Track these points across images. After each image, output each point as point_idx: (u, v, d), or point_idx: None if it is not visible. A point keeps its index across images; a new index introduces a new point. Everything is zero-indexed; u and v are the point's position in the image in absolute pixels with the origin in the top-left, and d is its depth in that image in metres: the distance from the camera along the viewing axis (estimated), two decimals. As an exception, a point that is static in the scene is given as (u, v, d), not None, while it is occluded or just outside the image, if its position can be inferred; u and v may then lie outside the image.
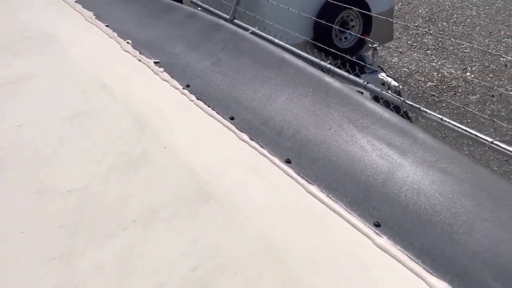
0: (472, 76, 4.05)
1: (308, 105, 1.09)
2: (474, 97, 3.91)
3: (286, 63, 1.21)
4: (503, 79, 4.07)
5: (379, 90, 2.63)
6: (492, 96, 3.90)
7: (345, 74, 2.70)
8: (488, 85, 3.71)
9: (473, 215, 0.79)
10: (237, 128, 1.01)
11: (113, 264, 0.68)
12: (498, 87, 3.76)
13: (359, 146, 0.96)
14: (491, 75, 4.14)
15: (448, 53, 4.52)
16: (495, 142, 2.21)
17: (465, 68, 4.26)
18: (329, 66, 2.68)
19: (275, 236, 0.74)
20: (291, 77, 1.17)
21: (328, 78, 1.14)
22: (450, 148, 0.95)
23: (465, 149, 3.29)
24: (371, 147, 0.96)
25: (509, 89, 3.87)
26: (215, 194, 0.82)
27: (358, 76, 2.80)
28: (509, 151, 2.16)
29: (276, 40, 2.81)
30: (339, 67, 2.70)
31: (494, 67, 4.23)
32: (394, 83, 3.54)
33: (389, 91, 2.71)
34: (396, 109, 2.41)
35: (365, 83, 2.69)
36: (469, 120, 3.57)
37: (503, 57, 4.13)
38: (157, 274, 0.66)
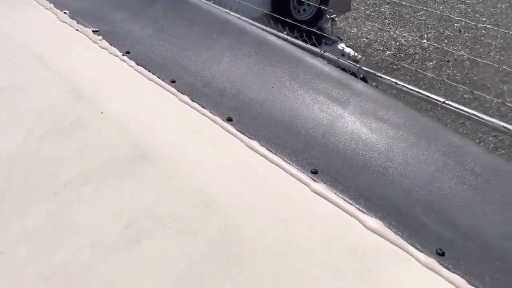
0: (428, 42, 4.14)
1: (251, 64, 1.08)
2: (431, 63, 4.00)
3: (230, 24, 1.19)
4: (457, 44, 4.19)
5: (335, 58, 2.65)
6: (448, 61, 4.01)
7: (302, 44, 2.70)
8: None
9: (408, 158, 0.81)
10: (178, 90, 0.99)
11: (43, 228, 0.65)
12: (453, 52, 3.87)
13: (300, 101, 0.96)
14: (446, 41, 4.24)
15: (405, 21, 4.59)
16: (447, 102, 2.28)
17: (421, 35, 4.35)
18: (286, 36, 2.67)
19: (212, 190, 0.73)
20: (235, 38, 1.15)
21: (270, 37, 1.13)
22: (388, 97, 0.97)
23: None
24: (312, 101, 0.96)
25: (463, 53, 3.98)
26: (152, 153, 0.80)
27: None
28: (461, 110, 2.24)
29: (233, 14, 2.76)
30: (303, 40, 2.70)
31: (449, 33, 4.33)
32: (353, 53, 3.58)
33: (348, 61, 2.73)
34: (354, 76, 2.44)
35: (322, 52, 2.70)
36: (427, 86, 3.67)
37: (457, 23, 4.24)
38: (89, 234, 0.64)
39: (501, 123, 2.15)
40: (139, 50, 1.16)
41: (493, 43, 4.16)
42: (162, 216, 0.67)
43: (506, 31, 3.61)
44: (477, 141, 3.25)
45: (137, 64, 1.08)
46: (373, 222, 0.68)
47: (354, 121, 0.90)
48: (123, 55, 1.13)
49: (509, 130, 2.12)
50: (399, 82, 2.43)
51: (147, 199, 0.70)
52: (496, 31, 4.10)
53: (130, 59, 1.10)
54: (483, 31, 4.30)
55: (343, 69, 2.53)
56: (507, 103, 3.18)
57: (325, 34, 3.56)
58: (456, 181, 0.76)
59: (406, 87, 2.42)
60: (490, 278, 0.60)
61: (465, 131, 3.32)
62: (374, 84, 2.54)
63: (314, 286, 0.59)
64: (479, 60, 3.06)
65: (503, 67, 2.54)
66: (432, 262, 0.62)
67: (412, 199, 0.73)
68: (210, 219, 0.67)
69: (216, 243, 0.64)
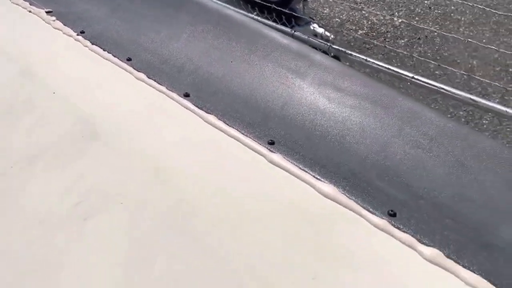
0: (400, 20, 4.17)
1: (210, 40, 1.06)
2: (402, 41, 4.04)
3: (188, 1, 1.16)
4: (428, 21, 4.23)
5: (306, 37, 2.64)
6: (419, 38, 4.05)
7: (273, 24, 2.69)
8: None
9: (364, 125, 0.81)
10: (134, 68, 0.96)
11: (-11, 210, 0.63)
12: (423, 29, 3.90)
13: (260, 74, 0.95)
14: (417, 18, 4.28)
15: (376, 0, 4.60)
16: (415, 77, 2.31)
17: (393, 14, 4.37)
18: (256, 17, 2.64)
19: (167, 165, 0.72)
20: (194, 14, 1.13)
21: (230, 11, 1.11)
22: (346, 67, 0.97)
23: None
24: (271, 73, 0.95)
25: (434, 30, 4.03)
26: (104, 131, 0.78)
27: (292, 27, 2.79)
28: (429, 84, 2.27)
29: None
30: (273, 21, 2.68)
31: (419, 10, 4.37)
32: (325, 33, 3.57)
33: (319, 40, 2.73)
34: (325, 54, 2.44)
35: (293, 32, 2.68)
36: (399, 64, 3.70)
37: (427, 0, 4.27)
38: (37, 213, 0.62)
39: (468, 95, 2.19)
40: (94, 30, 1.12)
41: (462, 19, 4.22)
42: (113, 193, 0.66)
43: (473, 5, 3.66)
44: (449, 116, 3.31)
45: (92, 44, 1.05)
46: (327, 187, 0.68)
47: (312, 91, 0.90)
48: (77, 35, 1.09)
49: (476, 101, 2.17)
50: (368, 59, 2.45)
51: (99, 177, 0.69)
52: (465, 6, 4.15)
53: (85, 39, 1.07)
54: (452, 7, 4.36)
55: (314, 48, 2.53)
56: (476, 77, 3.24)
57: (297, 15, 3.54)
58: (411, 146, 0.77)
59: (376, 64, 2.44)
60: (440, 235, 0.61)
61: (437, 107, 3.38)
62: (346, 63, 2.55)
63: (270, 253, 0.59)
64: (449, 36, 3.09)
65: (471, 41, 2.58)
66: (384, 223, 0.63)
67: (367, 164, 0.74)
68: (164, 194, 0.66)
69: (168, 216, 0.63)
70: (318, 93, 0.89)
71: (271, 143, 0.77)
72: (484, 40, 3.91)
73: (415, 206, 0.66)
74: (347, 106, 0.85)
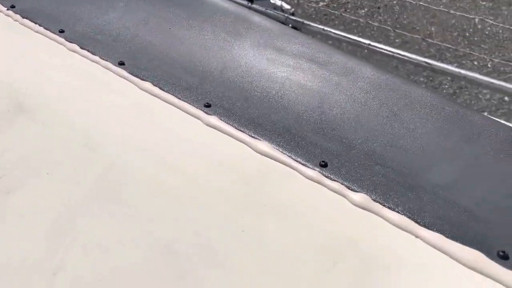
0: (360, -10, 4.17)
1: (148, 8, 1.03)
2: (363, 11, 4.05)
3: (125, -31, 1.12)
4: (387, -10, 4.25)
5: (263, 9, 2.61)
6: (379, 8, 4.07)
7: (228, -3, 2.63)
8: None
9: (301, 83, 0.81)
10: (66, 40, 0.92)
11: None
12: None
13: (198, 39, 0.93)
14: (376, -13, 4.29)
15: (336, -30, 4.58)
16: (372, 44, 2.32)
17: (352, -16, 4.36)
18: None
19: (98, 134, 0.70)
20: (131, -17, 1.08)
21: (167, -21, 1.07)
22: (286, 27, 0.96)
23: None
24: (210, 37, 0.93)
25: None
26: (33, 104, 0.75)
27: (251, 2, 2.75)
28: (385, 50, 2.29)
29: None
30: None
31: (379, -20, 4.38)
32: (286, 6, 3.54)
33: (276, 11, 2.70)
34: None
35: (249, 4, 2.64)
36: (360, 34, 3.72)
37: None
38: (-42, 189, 0.60)
39: (424, 59, 2.23)
40: (25, 4, 1.06)
41: (420, -14, 4.27)
42: (38, 164, 0.63)
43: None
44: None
45: (23, 18, 1.00)
46: (262, 145, 0.68)
47: (251, 53, 0.89)
48: (7, 9, 1.03)
49: (431, 65, 2.21)
50: (326, 28, 2.45)
51: (23, 150, 0.66)
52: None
53: (15, 13, 1.01)
54: (410, -25, 4.39)
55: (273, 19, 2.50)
56: (434, 42, 3.30)
57: (255, -12, 3.49)
58: (347, 100, 0.78)
59: (333, 33, 2.44)
60: (369, 181, 0.63)
61: (399, 74, 3.43)
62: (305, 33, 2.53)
63: (204, 211, 0.59)
64: (408, 3, 3.12)
65: (429, 6, 2.61)
66: (315, 173, 0.64)
67: (303, 121, 0.74)
68: (94, 162, 0.65)
69: (98, 184, 0.61)
70: (257, 55, 0.88)
71: (208, 105, 0.76)
72: (441, 6, 3.98)
73: (347, 156, 0.67)
74: (285, 66, 0.85)
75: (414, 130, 0.72)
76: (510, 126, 0.71)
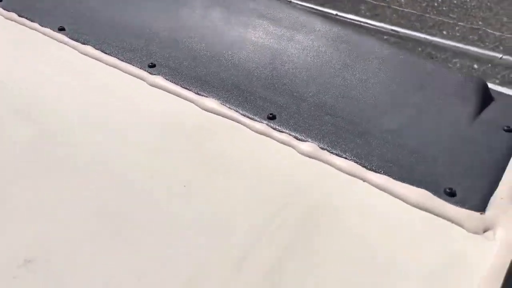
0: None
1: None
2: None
3: None
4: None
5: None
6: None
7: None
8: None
9: (253, 40, 0.78)
10: (4, 9, 0.87)
11: None
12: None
13: (143, 2, 0.89)
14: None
15: None
16: (338, 14, 2.32)
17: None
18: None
19: (37, 101, 0.66)
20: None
21: None
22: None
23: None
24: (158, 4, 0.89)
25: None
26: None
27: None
28: (354, 20, 2.29)
29: None
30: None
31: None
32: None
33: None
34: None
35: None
36: (329, 5, 3.68)
37: None
38: None
39: (389, 27, 2.23)
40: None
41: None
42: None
43: None
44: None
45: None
46: (209, 101, 0.65)
47: (200, 13, 0.85)
48: None
49: (398, 32, 2.20)
50: (293, 0, 2.41)
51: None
52: None
53: None
54: None
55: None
56: (404, 11, 3.30)
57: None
58: (299, 54, 0.75)
59: (300, 4, 2.41)
60: (318, 130, 0.61)
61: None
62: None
63: (147, 170, 0.56)
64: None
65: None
66: (263, 126, 0.61)
67: (254, 77, 0.71)
68: (28, 127, 0.60)
69: (31, 148, 0.58)
70: (206, 14, 0.84)
71: (152, 66, 0.73)
72: (410, -24, 3.97)
73: (297, 108, 0.65)
74: (235, 24, 0.82)
75: (366, 81, 0.70)
76: (459, 71, 0.70)
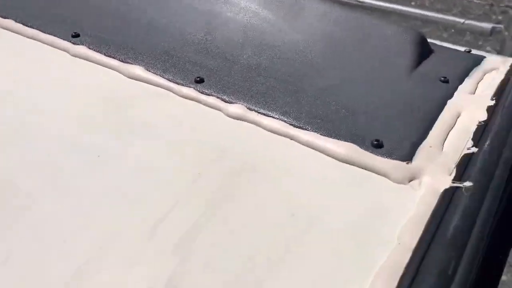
0: None
1: None
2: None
3: None
4: None
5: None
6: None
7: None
8: None
9: (186, 3, 0.74)
10: None
11: None
12: None
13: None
14: None
15: None
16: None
17: None
18: None
19: None
20: None
21: None
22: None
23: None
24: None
25: None
26: None
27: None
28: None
29: None
30: None
31: None
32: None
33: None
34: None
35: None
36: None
37: None
38: None
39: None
40: None
41: None
42: None
43: None
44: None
45: None
46: (135, 69, 0.62)
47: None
48: None
49: (362, 2, 2.18)
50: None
51: None
52: None
53: None
54: None
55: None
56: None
57: None
58: (234, 17, 0.71)
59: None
60: (248, 91, 0.58)
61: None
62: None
63: (64, 140, 0.52)
64: None
65: None
66: (190, 90, 0.58)
67: (186, 42, 0.68)
68: None
69: None
70: None
71: (76, 35, 0.68)
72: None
73: (228, 70, 0.62)
74: None
75: (303, 40, 0.67)
76: (398, 25, 0.68)
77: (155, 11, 0.73)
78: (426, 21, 2.45)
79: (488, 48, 2.79)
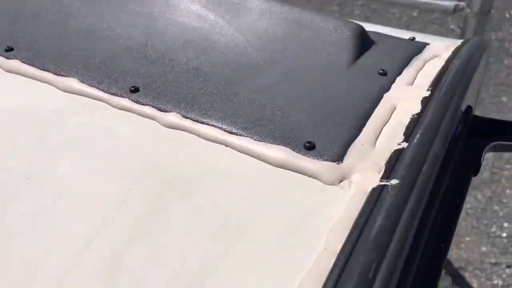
0: None
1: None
2: None
3: None
4: None
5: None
6: None
7: None
8: None
9: (123, 11, 0.72)
10: None
11: None
12: None
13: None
14: None
15: None
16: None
17: None
18: None
19: None
20: None
21: None
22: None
23: None
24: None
25: None
26: None
27: None
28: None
29: None
30: None
31: None
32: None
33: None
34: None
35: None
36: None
37: None
38: None
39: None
40: None
41: None
42: None
43: None
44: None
45: None
46: (69, 81, 0.60)
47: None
48: None
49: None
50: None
51: None
52: None
53: None
54: None
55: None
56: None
57: None
58: (174, 21, 0.70)
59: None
60: (184, 99, 0.56)
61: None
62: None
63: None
64: None
65: None
66: (125, 101, 0.57)
67: (123, 50, 0.65)
68: None
69: None
70: None
71: (9, 49, 0.66)
72: None
73: (165, 77, 0.60)
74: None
75: (243, 41, 0.66)
76: (337, 18, 0.67)
77: (92, 19, 0.71)
78: (394, 3, 2.45)
79: (452, 27, 2.81)
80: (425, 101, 0.55)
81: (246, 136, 0.51)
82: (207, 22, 0.70)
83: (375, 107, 0.55)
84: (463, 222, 1.97)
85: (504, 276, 1.90)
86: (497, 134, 0.60)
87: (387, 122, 0.53)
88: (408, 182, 0.43)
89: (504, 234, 2.02)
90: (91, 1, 0.74)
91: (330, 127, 0.51)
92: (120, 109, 0.57)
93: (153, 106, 0.56)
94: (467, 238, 2.00)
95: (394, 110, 0.55)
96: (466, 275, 1.93)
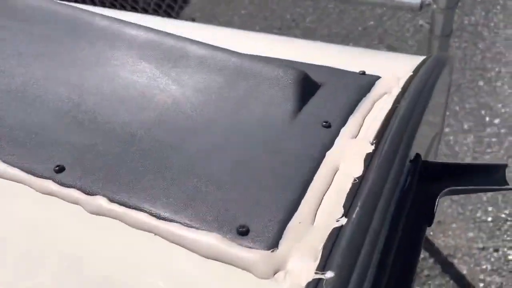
0: None
1: None
2: None
3: None
4: None
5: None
6: None
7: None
8: None
9: (49, 80, 0.67)
10: None
11: None
12: None
13: None
14: None
15: None
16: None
17: None
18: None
19: None
20: None
21: None
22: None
23: None
24: None
25: None
26: None
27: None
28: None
29: None
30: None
31: None
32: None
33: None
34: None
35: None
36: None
37: None
38: None
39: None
40: None
41: None
42: None
43: None
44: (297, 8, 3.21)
45: None
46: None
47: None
48: None
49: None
50: None
51: None
52: None
53: None
54: None
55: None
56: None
57: None
58: (111, 78, 0.65)
59: None
60: (112, 179, 0.51)
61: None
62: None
63: None
64: None
65: None
66: (48, 183, 0.52)
67: (49, 120, 0.59)
68: None
69: None
70: None
71: None
72: None
73: (94, 153, 0.55)
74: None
75: (180, 98, 0.61)
76: (275, 68, 0.61)
77: (18, 84, 0.65)
78: (361, 2, 2.40)
79: (421, 22, 2.78)
80: (368, 159, 0.51)
81: (177, 222, 0.47)
82: (144, 75, 0.65)
83: (316, 171, 0.51)
84: (449, 210, 1.97)
85: (492, 260, 1.91)
86: (451, 179, 0.57)
87: (328, 189, 0.49)
88: (344, 276, 0.39)
89: (490, 219, 2.03)
90: (14, 58, 0.68)
91: (265, 204, 0.47)
92: (42, 193, 0.52)
93: (78, 188, 0.51)
94: (454, 225, 2.01)
95: (336, 172, 0.51)
96: (455, 261, 1.93)
